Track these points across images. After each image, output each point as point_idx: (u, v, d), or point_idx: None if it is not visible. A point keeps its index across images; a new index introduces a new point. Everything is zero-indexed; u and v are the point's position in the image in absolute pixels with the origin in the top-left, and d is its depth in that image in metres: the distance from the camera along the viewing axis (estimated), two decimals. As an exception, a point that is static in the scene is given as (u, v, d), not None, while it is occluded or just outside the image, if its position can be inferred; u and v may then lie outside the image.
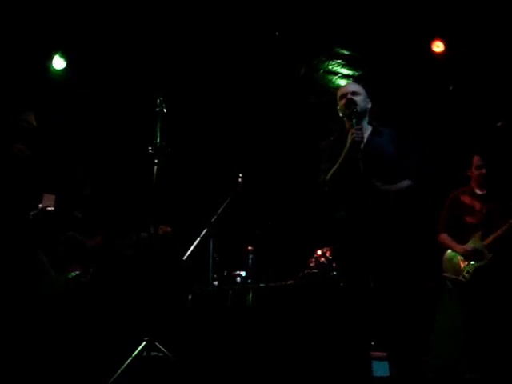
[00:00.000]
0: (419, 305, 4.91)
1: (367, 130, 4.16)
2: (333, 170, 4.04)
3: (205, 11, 5.48)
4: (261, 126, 6.99)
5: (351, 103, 4.07)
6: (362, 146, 3.98)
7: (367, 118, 4.19)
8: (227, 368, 4.68)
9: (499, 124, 5.54)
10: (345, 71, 6.63)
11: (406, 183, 4.03)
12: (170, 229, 5.50)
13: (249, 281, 5.70)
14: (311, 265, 5.85)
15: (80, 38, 5.71)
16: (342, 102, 4.15)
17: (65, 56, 5.86)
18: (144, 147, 4.67)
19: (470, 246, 4.96)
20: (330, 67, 6.55)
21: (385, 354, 4.28)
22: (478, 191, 5.17)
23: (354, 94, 4.13)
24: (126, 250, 5.28)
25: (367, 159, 3.87)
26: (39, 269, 4.75)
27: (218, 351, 4.77)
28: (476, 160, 5.17)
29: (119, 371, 4.27)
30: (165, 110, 4.78)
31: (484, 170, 5.12)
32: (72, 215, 5.29)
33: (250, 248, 5.97)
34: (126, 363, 4.31)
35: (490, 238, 4.87)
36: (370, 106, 4.20)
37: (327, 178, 4.07)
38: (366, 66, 6.49)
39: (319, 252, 5.90)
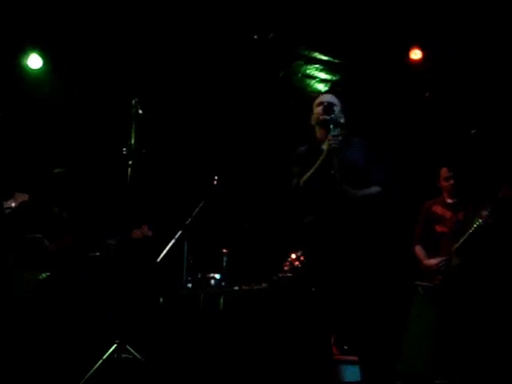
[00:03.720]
0: (391, 311, 4.94)
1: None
2: (307, 175, 4.05)
3: (182, 12, 5.46)
4: (237, 128, 6.99)
5: (329, 109, 4.10)
6: None
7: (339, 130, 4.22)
8: (197, 371, 4.67)
9: (473, 131, 5.58)
10: (323, 75, 6.64)
11: (374, 189, 4.05)
12: (150, 233, 5.45)
13: (223, 283, 5.69)
14: (285, 268, 5.87)
15: (56, 38, 5.66)
16: (319, 108, 4.18)
17: (42, 55, 5.79)
18: (118, 149, 4.65)
19: (434, 260, 5.00)
20: (308, 71, 6.56)
21: (356, 358, 4.32)
22: (448, 200, 5.23)
23: (331, 104, 4.16)
24: (92, 252, 5.23)
25: (338, 167, 3.93)
26: (9, 268, 4.72)
27: (189, 354, 4.76)
28: (443, 171, 5.23)
29: (89, 374, 4.25)
30: (140, 112, 4.76)
31: (452, 181, 5.17)
32: (48, 210, 5.24)
33: (224, 250, 5.97)
34: (96, 366, 4.29)
35: (458, 243, 4.90)
36: (343, 120, 4.22)
37: (301, 182, 4.08)
38: (343, 71, 6.51)
39: (293, 256, 5.92)
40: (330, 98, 4.27)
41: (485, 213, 4.77)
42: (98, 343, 4.53)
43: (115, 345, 4.37)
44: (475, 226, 4.81)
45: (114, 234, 5.28)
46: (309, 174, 4.04)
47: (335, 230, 3.91)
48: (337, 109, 4.16)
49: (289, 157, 4.33)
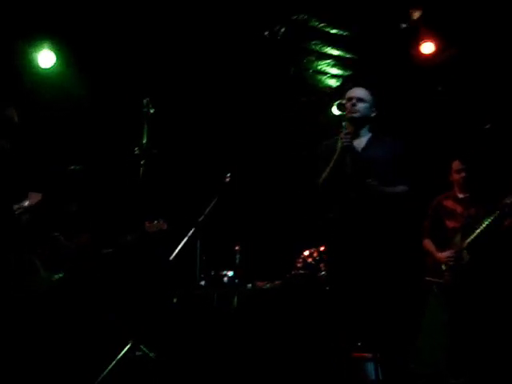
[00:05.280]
0: (409, 310, 4.92)
1: (365, 136, 4.18)
2: (324, 173, 4.06)
3: (193, 11, 5.44)
4: (250, 125, 6.98)
5: (354, 106, 4.11)
6: (360, 150, 4.05)
7: (368, 126, 4.19)
8: (212, 370, 4.67)
9: (487, 126, 5.53)
10: (334, 71, 6.60)
11: (401, 188, 4.04)
12: (165, 225, 5.45)
13: (236, 281, 5.70)
14: (298, 265, 5.87)
15: (68, 37, 5.67)
16: (347, 104, 4.16)
17: (55, 53, 5.79)
18: (130, 148, 4.65)
19: (446, 253, 4.96)
20: (320, 67, 6.53)
21: (370, 355, 4.31)
22: (459, 195, 5.17)
23: (359, 100, 4.14)
24: (106, 249, 5.24)
25: (363, 164, 3.93)
26: (27, 267, 4.73)
27: (203, 353, 4.77)
28: (455, 164, 5.17)
29: (104, 372, 4.28)
30: (151, 111, 4.76)
31: (464, 174, 5.11)
32: (64, 210, 5.25)
33: (237, 248, 5.98)
34: (111, 365, 4.32)
35: (468, 240, 4.86)
36: (373, 114, 4.20)
37: (320, 180, 4.10)
38: (355, 66, 6.47)
39: (306, 253, 5.92)
40: (358, 92, 4.22)
41: (508, 201, 4.71)
42: (113, 342, 4.56)
43: (129, 344, 4.41)
44: (487, 222, 4.76)
45: (128, 230, 5.30)
46: (326, 173, 4.06)
47: (356, 226, 3.90)
48: (363, 105, 4.14)
49: (316, 150, 4.31)
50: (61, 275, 4.80)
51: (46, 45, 5.71)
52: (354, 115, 4.10)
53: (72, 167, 5.33)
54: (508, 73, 5.39)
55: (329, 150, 4.15)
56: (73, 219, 5.24)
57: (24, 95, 5.86)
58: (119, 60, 5.93)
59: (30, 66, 5.81)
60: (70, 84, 6.02)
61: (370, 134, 4.20)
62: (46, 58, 5.77)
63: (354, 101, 4.13)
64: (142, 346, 4.44)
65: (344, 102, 4.17)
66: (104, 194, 6.09)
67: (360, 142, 4.12)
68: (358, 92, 4.22)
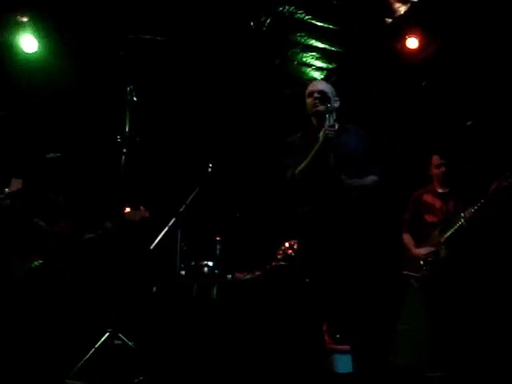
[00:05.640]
0: (385, 302, 4.95)
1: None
2: (303, 165, 4.02)
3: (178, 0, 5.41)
4: (232, 116, 6.96)
5: (322, 99, 4.09)
6: None
7: (334, 115, 4.19)
8: (191, 360, 4.68)
9: (469, 123, 5.56)
10: (319, 63, 6.60)
11: (371, 178, 4.04)
12: (148, 214, 5.43)
13: (216, 271, 5.70)
14: (279, 257, 5.88)
15: (52, 23, 5.60)
16: (311, 99, 4.16)
17: (38, 39, 5.72)
18: (113, 136, 4.63)
19: (422, 250, 5.00)
20: (305, 59, 6.52)
21: (348, 347, 4.34)
22: (439, 190, 5.18)
23: (322, 92, 4.13)
24: (87, 234, 5.20)
25: (334, 156, 3.92)
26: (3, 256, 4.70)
27: (182, 343, 4.77)
28: (435, 159, 5.19)
29: (82, 361, 4.27)
30: (135, 99, 4.74)
31: (444, 168, 5.14)
32: (45, 196, 5.21)
33: (217, 238, 5.97)
34: (89, 354, 4.31)
35: (446, 235, 4.90)
36: (337, 105, 4.20)
37: (296, 172, 4.06)
38: (340, 59, 6.47)
39: (287, 244, 5.93)
40: (321, 85, 4.24)
41: (471, 210, 4.76)
42: (91, 331, 4.54)
43: (108, 333, 4.40)
44: (464, 218, 4.80)
45: (108, 217, 5.27)
46: (304, 163, 4.02)
47: (329, 220, 3.91)
48: (330, 95, 4.14)
49: (281, 146, 4.31)
50: (40, 262, 4.77)
51: (28, 29, 5.63)
52: (319, 108, 4.09)
53: (51, 154, 5.28)
54: (492, 70, 5.42)
55: (300, 144, 4.16)
56: (54, 206, 5.20)
57: (5, 80, 5.81)
58: (101, 47, 5.87)
59: (11, 49, 5.74)
60: (51, 70, 5.96)
61: (336, 125, 4.18)
62: (28, 42, 5.70)
63: (315, 95, 4.13)
64: (120, 335, 4.43)
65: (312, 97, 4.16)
66: (85, 181, 6.05)
67: None
68: (319, 85, 4.23)
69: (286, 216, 6.49)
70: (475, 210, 4.72)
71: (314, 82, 4.32)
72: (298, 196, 4.13)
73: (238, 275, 5.89)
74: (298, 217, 4.12)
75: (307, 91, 4.22)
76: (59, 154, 5.28)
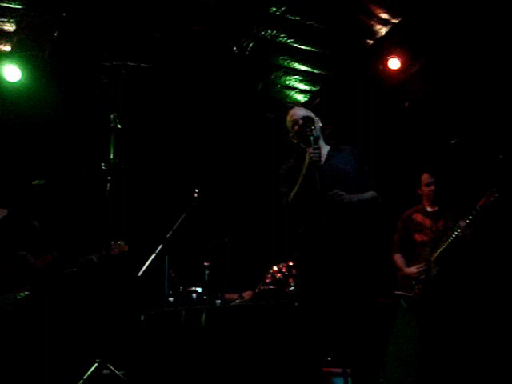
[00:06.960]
0: (378, 323, 4.93)
1: (325, 148, 4.19)
2: (294, 190, 4.05)
3: (160, 25, 5.43)
4: (217, 140, 6.97)
5: (306, 126, 4.08)
6: (322, 163, 4.01)
7: (322, 137, 4.20)
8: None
9: (453, 142, 5.59)
10: (302, 86, 6.64)
11: (370, 194, 4.05)
12: (126, 247, 5.41)
13: (205, 297, 5.65)
14: (267, 281, 5.86)
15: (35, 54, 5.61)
16: (296, 128, 4.17)
17: (21, 67, 5.71)
18: (97, 163, 4.60)
19: (413, 269, 5.00)
20: (288, 82, 6.56)
21: (340, 369, 4.29)
22: (428, 209, 5.21)
23: (305, 118, 4.13)
24: (67, 269, 5.15)
25: (328, 176, 3.91)
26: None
27: (171, 371, 4.70)
28: (425, 177, 5.22)
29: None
30: (119, 126, 4.73)
31: (433, 187, 5.17)
32: (29, 224, 5.16)
33: (206, 263, 5.93)
34: (78, 385, 4.23)
35: (437, 254, 4.91)
36: (320, 124, 4.22)
37: (289, 199, 4.07)
38: (323, 81, 6.52)
39: (275, 268, 5.91)
40: (301, 112, 4.24)
41: (463, 223, 4.78)
42: (79, 362, 4.47)
43: (96, 363, 4.33)
44: (454, 235, 4.81)
45: (93, 250, 5.23)
46: (294, 190, 4.04)
47: (327, 239, 3.87)
48: (313, 118, 4.14)
49: (277, 175, 4.31)
50: (26, 293, 4.71)
51: (11, 59, 5.63)
52: (309, 135, 4.04)
53: (36, 181, 5.24)
54: (474, 87, 5.47)
55: (292, 171, 4.17)
56: (37, 237, 5.15)
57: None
58: (85, 74, 5.88)
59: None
60: (35, 98, 5.95)
61: (328, 146, 4.21)
62: (12, 72, 5.69)
63: (300, 122, 4.13)
64: (109, 365, 4.36)
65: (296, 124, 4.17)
66: (69, 211, 6.01)
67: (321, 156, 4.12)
68: (300, 112, 4.23)
69: (274, 240, 6.50)
70: (464, 226, 4.73)
71: (294, 111, 4.29)
72: (296, 219, 4.12)
73: (228, 296, 5.86)
74: (297, 239, 4.11)
75: (291, 120, 4.22)
76: (44, 181, 5.25)
